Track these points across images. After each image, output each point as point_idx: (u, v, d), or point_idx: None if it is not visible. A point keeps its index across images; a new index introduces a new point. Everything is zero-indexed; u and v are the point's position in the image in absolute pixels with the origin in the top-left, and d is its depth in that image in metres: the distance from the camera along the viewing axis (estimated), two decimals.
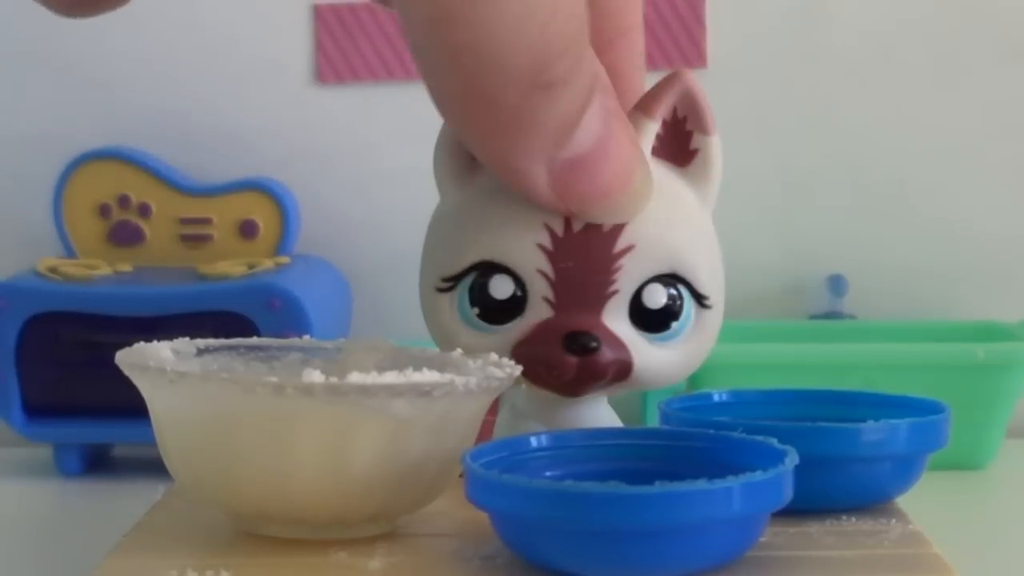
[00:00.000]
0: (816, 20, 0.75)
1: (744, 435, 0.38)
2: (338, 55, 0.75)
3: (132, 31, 0.75)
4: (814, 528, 0.40)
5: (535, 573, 0.35)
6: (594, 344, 0.39)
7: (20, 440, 0.66)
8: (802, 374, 0.60)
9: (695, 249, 0.40)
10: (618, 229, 0.39)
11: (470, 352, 0.40)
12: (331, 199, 0.75)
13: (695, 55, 0.75)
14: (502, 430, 0.42)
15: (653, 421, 0.63)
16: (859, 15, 0.75)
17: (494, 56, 0.32)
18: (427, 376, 0.37)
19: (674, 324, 0.40)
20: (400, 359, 0.41)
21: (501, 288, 0.40)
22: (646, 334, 0.40)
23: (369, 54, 0.75)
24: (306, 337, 0.44)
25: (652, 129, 0.41)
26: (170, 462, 0.39)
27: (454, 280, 0.40)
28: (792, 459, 0.35)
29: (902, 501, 0.42)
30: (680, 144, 0.41)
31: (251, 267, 0.67)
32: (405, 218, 0.74)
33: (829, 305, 0.74)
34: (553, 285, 0.39)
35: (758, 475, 0.34)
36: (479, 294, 0.40)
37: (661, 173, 0.40)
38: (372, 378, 0.36)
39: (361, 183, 0.75)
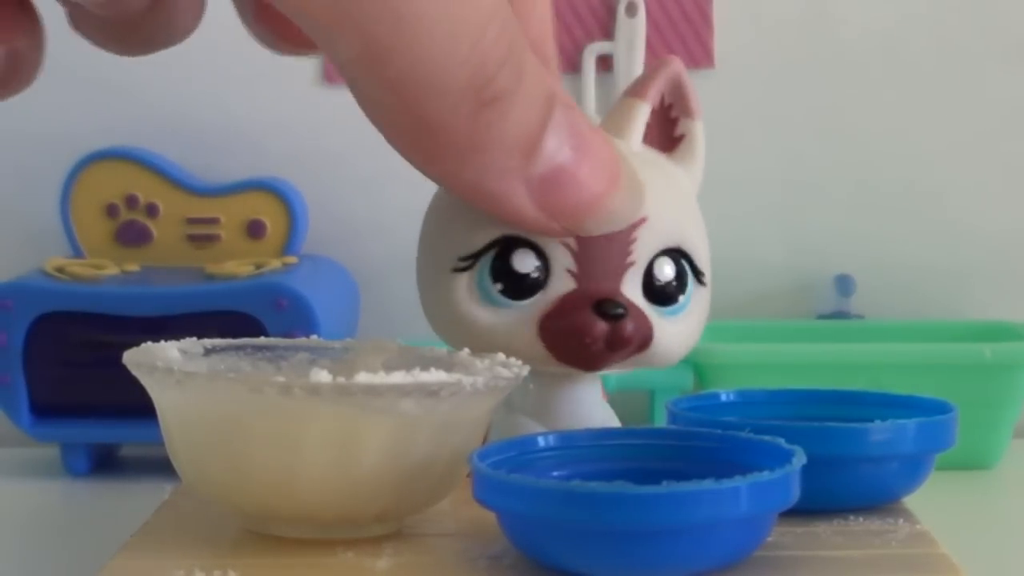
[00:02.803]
0: (823, 20, 0.75)
1: (751, 435, 0.38)
2: None
3: None
4: (821, 528, 0.40)
5: (542, 573, 0.35)
6: (622, 310, 0.39)
7: (27, 440, 0.66)
8: (809, 374, 0.60)
9: (694, 226, 0.42)
10: None
11: (489, 329, 0.40)
12: (339, 199, 0.75)
13: (703, 55, 0.75)
14: (497, 428, 0.42)
15: (660, 421, 0.63)
16: (866, 15, 0.75)
17: (432, 81, 0.32)
18: (434, 376, 0.37)
19: (681, 298, 0.41)
20: (407, 359, 0.41)
21: (525, 262, 0.40)
22: (657, 307, 0.41)
23: None
24: (313, 337, 0.44)
25: (645, 111, 0.42)
26: (177, 462, 0.39)
27: (473, 258, 0.40)
28: (799, 459, 0.35)
29: (909, 501, 0.42)
30: (666, 130, 0.42)
31: (258, 267, 0.67)
32: (413, 218, 0.74)
33: (836, 305, 0.74)
34: (575, 257, 0.40)
35: (765, 475, 0.34)
36: (501, 270, 0.40)
37: (653, 156, 0.42)
38: (379, 378, 0.36)
39: (369, 183, 0.75)
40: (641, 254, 0.40)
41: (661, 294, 0.41)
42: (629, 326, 0.39)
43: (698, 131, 0.42)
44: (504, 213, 0.36)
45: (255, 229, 0.71)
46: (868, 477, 0.41)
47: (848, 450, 0.41)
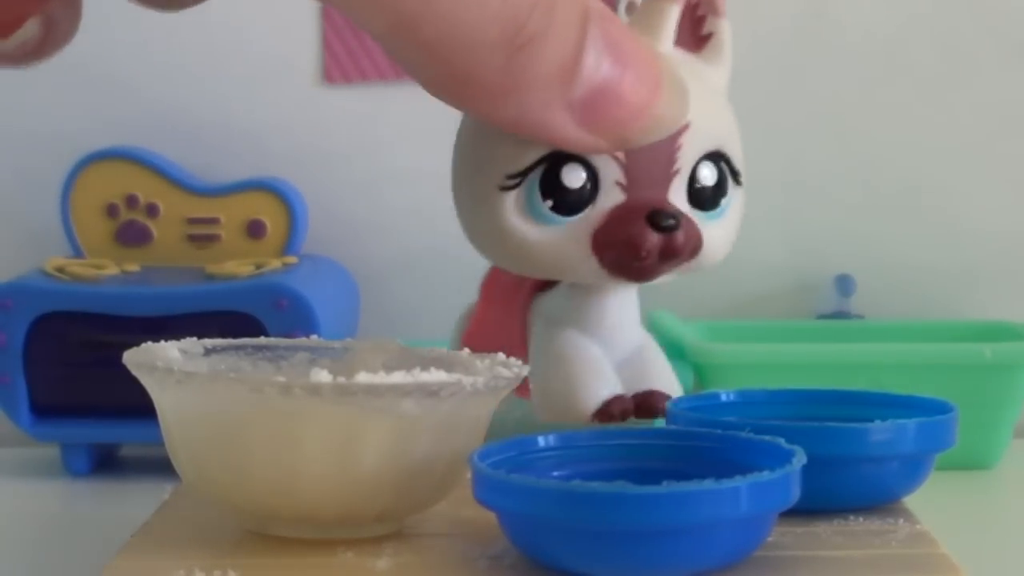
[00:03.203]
0: (824, 21, 0.75)
1: (751, 435, 0.38)
2: (345, 55, 0.75)
3: (140, 30, 0.75)
4: (821, 528, 0.40)
5: (542, 573, 0.35)
6: (674, 221, 0.39)
7: (28, 440, 0.66)
8: (810, 374, 0.60)
9: (730, 127, 0.42)
10: None
11: (539, 246, 0.40)
12: (338, 199, 0.75)
13: None
14: (537, 341, 0.42)
15: (660, 421, 0.63)
16: (867, 16, 0.75)
17: (466, 40, 0.32)
18: (434, 376, 0.37)
19: (723, 201, 0.41)
20: (407, 359, 0.41)
21: (574, 176, 0.39)
22: (700, 212, 0.41)
23: (377, 53, 0.75)
24: (313, 337, 0.44)
25: (676, 11, 0.41)
26: (178, 462, 0.39)
27: (521, 175, 0.40)
28: (799, 459, 0.35)
29: (910, 501, 0.42)
30: (694, 30, 0.42)
31: (259, 267, 0.67)
32: (413, 218, 0.74)
33: (837, 305, 0.74)
34: (624, 168, 0.39)
35: (765, 475, 0.34)
36: (550, 185, 0.40)
37: (684, 57, 0.41)
38: (379, 378, 0.36)
39: (369, 183, 0.75)
40: (685, 161, 0.40)
41: (705, 199, 0.41)
42: (681, 236, 0.39)
43: (726, 29, 0.42)
44: (549, 140, 0.36)
45: (255, 229, 0.71)
46: (868, 477, 0.41)
47: (848, 450, 0.40)
